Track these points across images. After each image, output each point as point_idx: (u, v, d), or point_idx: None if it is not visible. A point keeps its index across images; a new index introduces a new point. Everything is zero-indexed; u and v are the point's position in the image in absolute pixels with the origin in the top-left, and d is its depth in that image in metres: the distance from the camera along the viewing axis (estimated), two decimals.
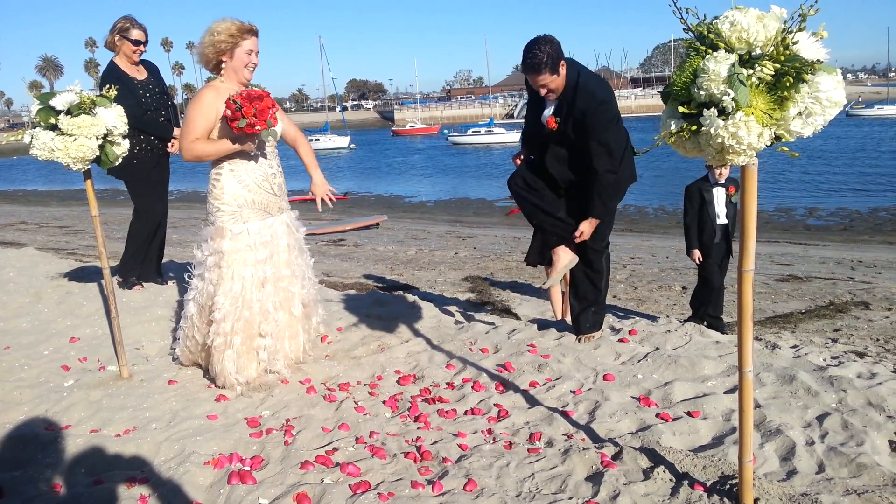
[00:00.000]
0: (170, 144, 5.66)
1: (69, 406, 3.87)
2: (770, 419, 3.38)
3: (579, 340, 4.59)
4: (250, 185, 4.02)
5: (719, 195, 6.10)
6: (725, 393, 3.73)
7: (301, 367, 4.35)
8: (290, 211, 4.29)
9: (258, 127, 3.66)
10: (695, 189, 6.21)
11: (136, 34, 5.48)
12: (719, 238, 6.18)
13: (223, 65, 3.98)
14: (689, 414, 3.53)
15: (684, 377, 3.97)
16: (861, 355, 4.90)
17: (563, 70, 4.07)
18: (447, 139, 62.16)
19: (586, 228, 4.33)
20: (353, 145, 62.26)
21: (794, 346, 4.54)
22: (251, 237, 4.02)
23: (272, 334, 4.13)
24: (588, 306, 4.63)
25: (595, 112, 4.07)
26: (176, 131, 5.59)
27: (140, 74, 5.61)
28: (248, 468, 3.18)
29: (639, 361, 4.23)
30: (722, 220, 6.15)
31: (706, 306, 6.43)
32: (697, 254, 6.31)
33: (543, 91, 4.12)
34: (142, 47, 5.56)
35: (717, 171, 6.01)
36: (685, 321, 5.49)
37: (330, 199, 4.32)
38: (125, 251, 5.89)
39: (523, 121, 4.71)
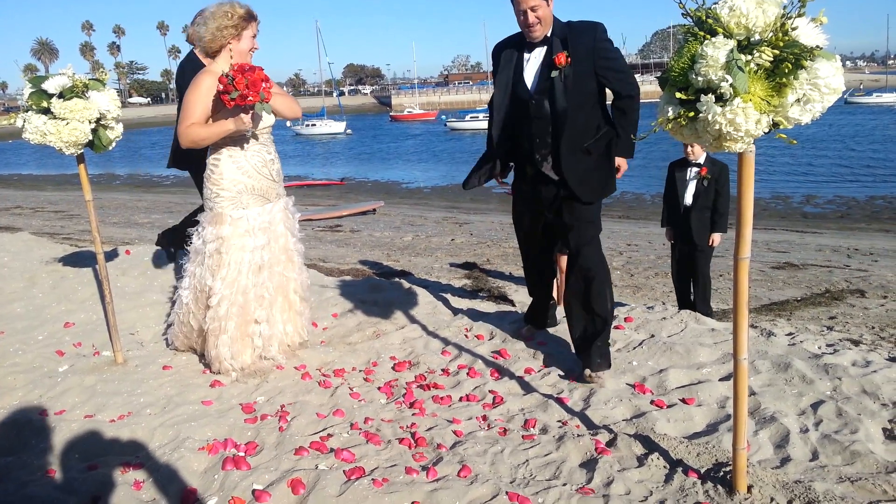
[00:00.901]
0: None
1: (63, 391, 3.86)
2: (764, 406, 3.38)
3: (589, 378, 3.85)
4: (249, 170, 3.99)
5: (691, 175, 6.01)
6: (720, 380, 3.74)
7: (296, 352, 4.35)
8: (287, 197, 4.28)
9: (251, 98, 3.59)
10: (671, 166, 6.20)
11: (252, 28, 5.33)
12: (683, 219, 6.07)
13: (223, 49, 3.91)
14: (683, 401, 3.53)
15: (679, 364, 3.97)
16: (856, 343, 4.92)
17: (552, 4, 3.78)
18: (445, 125, 61.98)
19: (624, 166, 4.04)
20: (349, 130, 62.03)
21: (790, 334, 4.54)
22: (250, 223, 4.01)
23: (267, 320, 4.12)
24: (598, 332, 3.92)
25: (604, 38, 3.77)
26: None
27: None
28: (242, 454, 3.17)
29: (634, 348, 4.23)
30: (686, 200, 6.02)
31: (680, 292, 6.38)
32: (667, 231, 6.33)
33: (532, 18, 3.70)
34: (255, 42, 5.41)
35: (689, 149, 5.91)
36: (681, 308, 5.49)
37: None
38: (180, 224, 5.77)
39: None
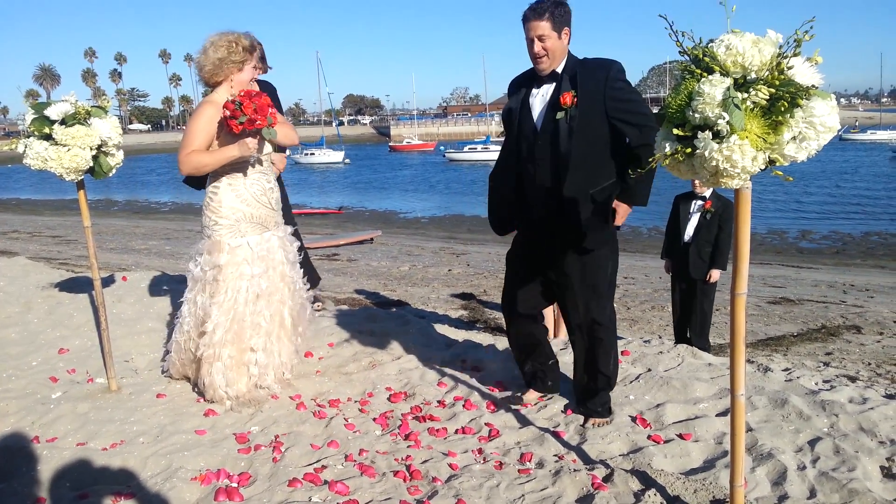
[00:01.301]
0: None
1: (56, 418, 3.83)
2: (762, 443, 3.36)
3: (593, 425, 3.73)
4: (248, 199, 4.00)
5: (695, 208, 6.00)
6: (717, 416, 3.72)
7: (291, 382, 4.32)
8: (285, 226, 4.28)
9: (259, 122, 3.64)
10: (676, 199, 6.21)
11: (254, 60, 5.35)
12: (682, 253, 6.05)
13: (229, 76, 3.94)
14: (680, 436, 3.51)
15: (676, 399, 3.96)
16: (853, 379, 4.91)
17: (565, 38, 3.52)
18: (444, 155, 62.32)
19: (623, 212, 3.60)
20: (347, 160, 62.30)
21: (786, 370, 4.53)
22: (248, 251, 4.01)
23: (263, 348, 4.10)
24: (602, 389, 3.79)
25: (617, 78, 3.47)
26: (275, 156, 5.37)
27: None
28: (235, 484, 3.15)
29: (631, 382, 4.22)
30: (687, 233, 6.00)
31: (676, 326, 6.35)
32: (666, 263, 6.33)
33: (538, 48, 3.48)
34: (256, 73, 5.39)
35: (697, 183, 5.88)
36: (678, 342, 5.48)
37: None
38: None
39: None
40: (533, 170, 3.65)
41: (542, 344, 4.07)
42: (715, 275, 5.96)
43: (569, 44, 3.57)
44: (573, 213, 3.53)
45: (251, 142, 3.78)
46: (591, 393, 3.79)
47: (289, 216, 5.34)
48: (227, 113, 3.65)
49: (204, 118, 3.85)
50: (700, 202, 5.96)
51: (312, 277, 5.90)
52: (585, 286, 3.67)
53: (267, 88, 5.56)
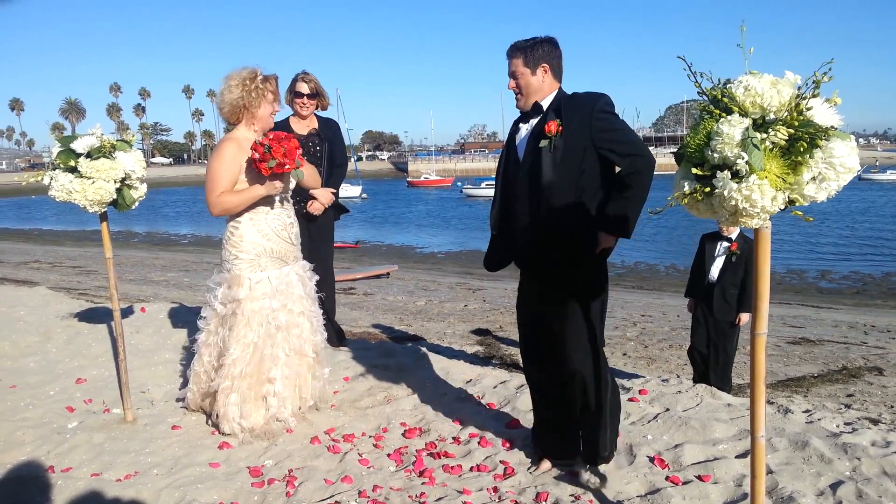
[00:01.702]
0: (308, 203, 5.39)
1: (71, 448, 3.84)
2: (782, 486, 3.30)
3: (594, 471, 3.57)
4: (269, 234, 4.04)
5: (720, 250, 5.96)
6: (737, 457, 3.66)
7: (306, 416, 4.31)
8: (304, 261, 4.33)
9: (288, 166, 3.72)
10: (703, 238, 6.17)
11: (298, 86, 5.37)
12: (707, 293, 6.01)
13: (247, 114, 4.00)
14: (699, 478, 3.45)
15: (695, 440, 3.90)
16: (875, 422, 4.80)
17: (542, 74, 3.45)
18: (461, 191, 62.58)
19: (604, 241, 3.38)
20: (364, 195, 62.71)
21: (807, 411, 4.46)
22: (268, 285, 4.04)
23: (281, 381, 4.10)
24: (603, 429, 3.54)
25: (603, 108, 3.35)
26: (316, 191, 5.30)
27: (306, 128, 5.48)
28: None
29: (649, 422, 4.16)
30: (712, 274, 5.97)
31: (696, 366, 6.26)
32: (689, 302, 6.27)
33: (511, 84, 3.49)
34: (304, 99, 5.38)
35: (723, 226, 5.88)
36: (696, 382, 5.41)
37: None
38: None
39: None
40: (514, 202, 3.55)
41: (565, 415, 3.66)
42: (744, 318, 5.90)
43: (558, 80, 3.51)
44: (553, 246, 3.40)
45: (279, 183, 3.87)
46: (594, 433, 3.56)
47: (328, 255, 5.27)
48: (257, 156, 3.73)
49: (227, 157, 3.91)
50: (726, 243, 5.93)
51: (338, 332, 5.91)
52: (568, 328, 3.42)
53: (330, 127, 5.64)
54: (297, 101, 5.40)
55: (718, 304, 5.95)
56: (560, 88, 3.54)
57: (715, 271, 5.96)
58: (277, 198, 4.06)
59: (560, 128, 3.34)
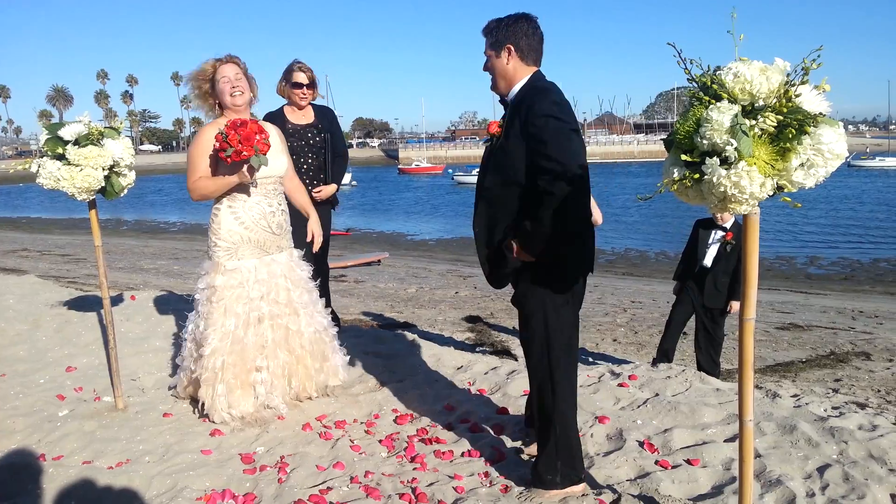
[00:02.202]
0: (315, 190, 5.41)
1: (62, 436, 3.83)
2: (770, 469, 3.34)
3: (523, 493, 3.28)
4: (247, 222, 4.02)
5: (715, 237, 5.99)
6: (725, 441, 3.69)
7: (298, 403, 4.32)
8: (293, 249, 4.30)
9: (245, 153, 3.64)
10: (696, 224, 6.19)
11: (298, 77, 5.29)
12: (698, 279, 6.05)
13: (217, 101, 4.05)
14: (688, 462, 3.49)
15: (684, 424, 3.94)
16: (862, 406, 4.86)
17: (506, 56, 3.18)
18: (452, 178, 62.48)
19: (517, 249, 3.12)
20: (354, 182, 62.47)
21: (795, 396, 4.50)
22: (245, 274, 4.03)
23: (269, 369, 4.10)
24: (545, 442, 3.25)
25: (540, 112, 3.02)
26: (326, 189, 5.44)
27: (303, 119, 5.43)
28: None
29: (638, 407, 4.20)
30: (705, 261, 6.00)
31: (661, 344, 6.31)
32: (676, 286, 6.31)
33: (483, 67, 3.30)
34: (304, 90, 5.32)
35: (719, 214, 5.90)
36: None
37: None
38: None
39: None
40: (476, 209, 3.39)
41: None
42: (735, 306, 5.94)
43: (530, 63, 3.22)
44: (481, 250, 3.33)
45: (244, 175, 3.83)
46: (540, 450, 3.31)
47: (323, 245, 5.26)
48: (217, 146, 3.71)
49: (205, 142, 3.93)
50: (721, 233, 5.96)
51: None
52: (525, 328, 3.32)
53: (327, 116, 5.58)
54: (296, 91, 5.31)
55: (709, 292, 5.98)
56: (534, 74, 3.23)
57: (709, 259, 5.99)
58: (255, 186, 4.01)
59: (501, 128, 3.18)
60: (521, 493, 3.25)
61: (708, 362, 6.02)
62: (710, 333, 6.09)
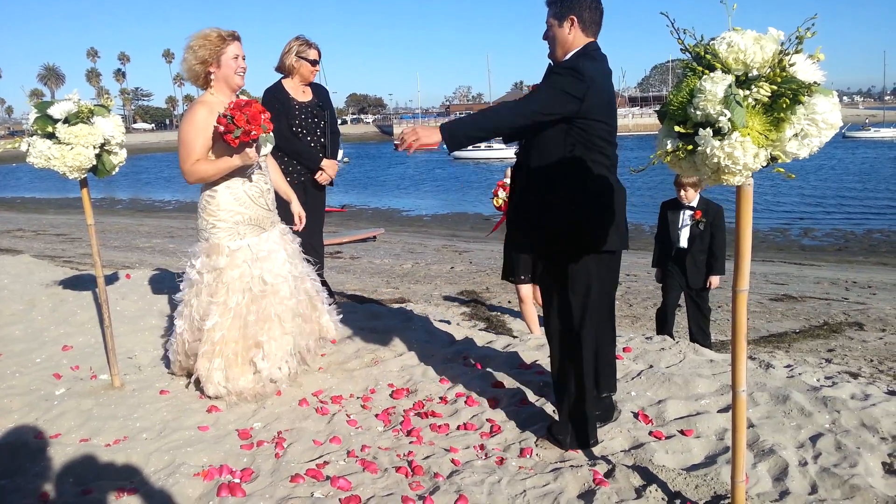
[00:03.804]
0: (318, 173, 5.42)
1: (60, 414, 3.85)
2: (763, 439, 3.37)
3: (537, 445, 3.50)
4: (246, 201, 4.00)
5: (684, 218, 5.88)
6: (719, 412, 3.72)
7: (295, 379, 4.33)
8: (282, 224, 4.30)
9: (254, 132, 3.61)
10: (663, 206, 6.10)
11: (313, 54, 5.27)
12: (677, 261, 5.97)
13: (212, 76, 3.91)
14: (682, 432, 3.52)
15: (678, 395, 3.96)
16: (855, 376, 4.90)
17: (569, 27, 3.26)
18: (449, 153, 62.23)
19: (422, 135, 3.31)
20: (346, 159, 62.05)
21: (788, 366, 4.53)
22: (249, 253, 4.01)
23: (269, 343, 4.09)
24: (561, 407, 3.49)
25: (552, 70, 3.27)
26: (325, 162, 5.40)
27: (304, 96, 5.38)
28: (237, 480, 3.16)
29: (632, 379, 4.22)
30: (681, 243, 5.91)
31: (661, 329, 6.23)
32: (657, 272, 6.23)
33: (544, 35, 3.38)
34: (316, 67, 5.33)
35: (682, 192, 5.83)
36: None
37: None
38: None
39: None
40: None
41: None
42: (715, 281, 5.90)
43: (589, 35, 3.30)
44: (525, 224, 3.48)
45: (252, 152, 3.77)
46: (557, 406, 3.56)
47: (318, 223, 5.24)
48: (221, 128, 3.61)
49: (199, 122, 3.81)
50: (689, 212, 5.85)
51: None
52: (553, 300, 3.52)
53: (322, 93, 5.54)
54: (314, 69, 5.30)
55: (691, 272, 5.91)
56: (590, 44, 3.31)
57: (684, 241, 5.89)
58: (254, 165, 3.99)
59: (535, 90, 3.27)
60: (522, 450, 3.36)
61: (700, 334, 6.01)
62: (699, 308, 6.05)
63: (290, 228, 4.39)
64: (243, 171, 3.96)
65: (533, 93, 3.23)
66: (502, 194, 5.26)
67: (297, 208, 4.56)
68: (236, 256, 3.98)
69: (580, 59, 3.22)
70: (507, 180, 5.18)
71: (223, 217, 3.96)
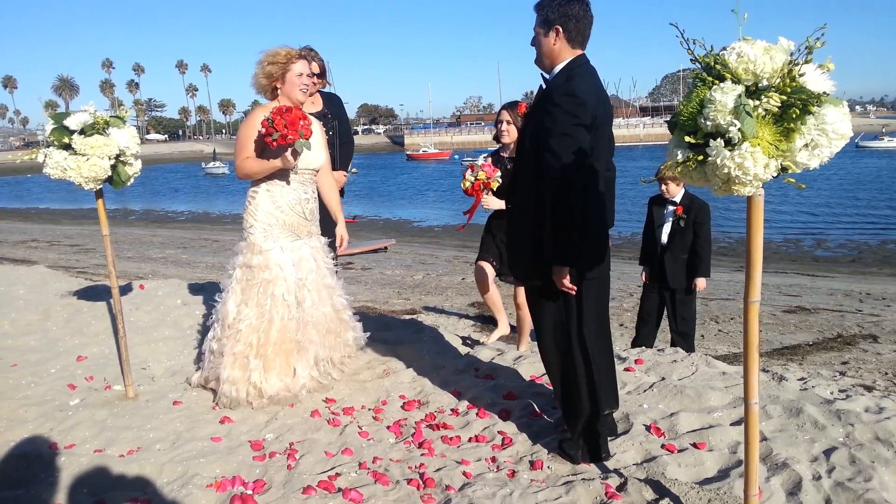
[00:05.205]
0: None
1: (74, 425, 3.87)
2: (776, 452, 3.34)
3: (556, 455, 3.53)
4: (283, 206, 4.17)
5: (668, 214, 5.69)
6: (732, 425, 3.70)
7: (317, 389, 4.36)
8: (320, 236, 4.44)
9: (290, 137, 3.78)
10: (650, 202, 5.90)
11: (299, 66, 5.35)
12: (658, 259, 5.75)
13: (278, 91, 4.16)
14: (694, 445, 3.50)
15: (690, 408, 3.94)
16: (869, 389, 4.86)
17: (554, 37, 3.18)
18: (462, 163, 62.43)
19: (557, 279, 3.21)
20: (354, 169, 62.22)
21: (802, 379, 4.50)
22: (280, 255, 4.16)
23: (300, 349, 4.22)
24: (569, 418, 3.48)
25: (551, 100, 3.14)
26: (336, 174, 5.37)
27: (312, 107, 5.37)
28: (250, 492, 3.17)
29: (644, 391, 4.20)
30: (661, 239, 5.71)
31: (636, 339, 6.05)
32: (643, 271, 6.00)
33: (532, 42, 3.33)
34: (314, 78, 5.11)
35: (664, 188, 5.64)
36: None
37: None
38: None
39: None
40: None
41: None
42: (701, 284, 5.69)
43: (576, 46, 3.21)
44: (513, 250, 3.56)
45: (289, 156, 3.93)
46: (563, 422, 3.59)
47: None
48: (263, 131, 3.81)
49: (254, 124, 4.03)
50: (672, 207, 5.67)
51: None
52: (539, 317, 3.62)
53: (335, 103, 5.62)
54: (299, 80, 5.30)
55: (671, 271, 5.69)
56: (578, 57, 3.22)
57: (664, 237, 5.71)
58: (294, 172, 4.16)
59: (528, 109, 3.28)
60: (532, 465, 3.29)
61: (681, 342, 5.75)
62: (680, 313, 5.82)
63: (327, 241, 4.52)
64: (284, 177, 4.14)
65: (549, 153, 3.08)
66: (469, 175, 5.12)
67: (341, 230, 4.64)
68: (268, 257, 4.13)
69: (571, 81, 3.14)
70: (480, 162, 5.12)
71: (260, 218, 4.16)
